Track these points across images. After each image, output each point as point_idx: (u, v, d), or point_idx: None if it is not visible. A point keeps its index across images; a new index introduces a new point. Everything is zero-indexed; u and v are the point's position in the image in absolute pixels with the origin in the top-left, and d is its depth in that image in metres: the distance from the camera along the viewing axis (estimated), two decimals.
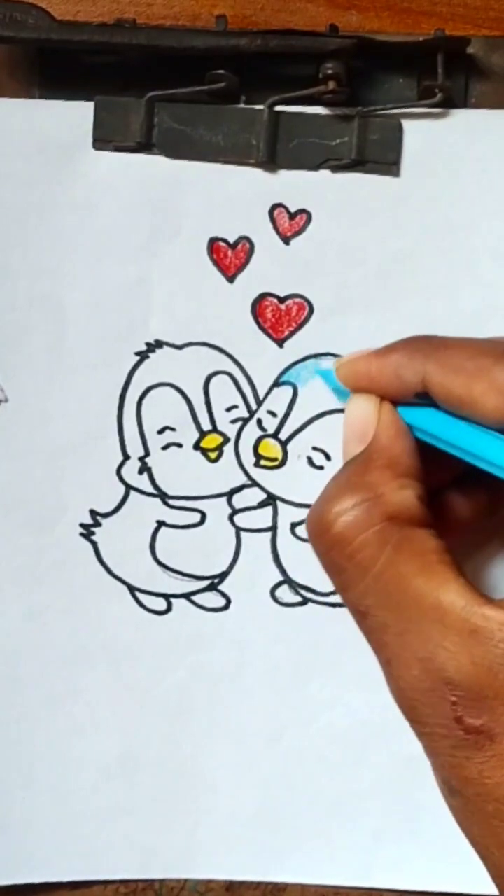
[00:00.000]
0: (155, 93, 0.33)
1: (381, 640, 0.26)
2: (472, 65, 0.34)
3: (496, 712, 0.23)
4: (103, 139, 0.34)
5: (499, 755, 0.23)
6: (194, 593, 0.36)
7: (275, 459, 0.35)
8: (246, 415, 0.35)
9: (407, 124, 0.33)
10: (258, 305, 0.35)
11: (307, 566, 0.35)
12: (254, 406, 0.35)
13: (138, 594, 0.36)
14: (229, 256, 0.34)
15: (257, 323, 0.35)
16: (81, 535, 0.36)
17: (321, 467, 0.35)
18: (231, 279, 0.35)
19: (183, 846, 0.37)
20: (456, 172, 0.34)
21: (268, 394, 0.35)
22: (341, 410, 0.34)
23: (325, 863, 0.36)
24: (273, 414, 0.35)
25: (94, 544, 0.36)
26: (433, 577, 0.25)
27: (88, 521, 0.35)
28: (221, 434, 0.35)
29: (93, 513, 0.35)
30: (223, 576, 0.36)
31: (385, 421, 0.29)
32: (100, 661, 0.36)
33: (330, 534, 0.27)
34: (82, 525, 0.35)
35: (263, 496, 0.35)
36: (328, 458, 0.35)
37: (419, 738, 0.26)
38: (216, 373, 0.35)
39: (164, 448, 0.35)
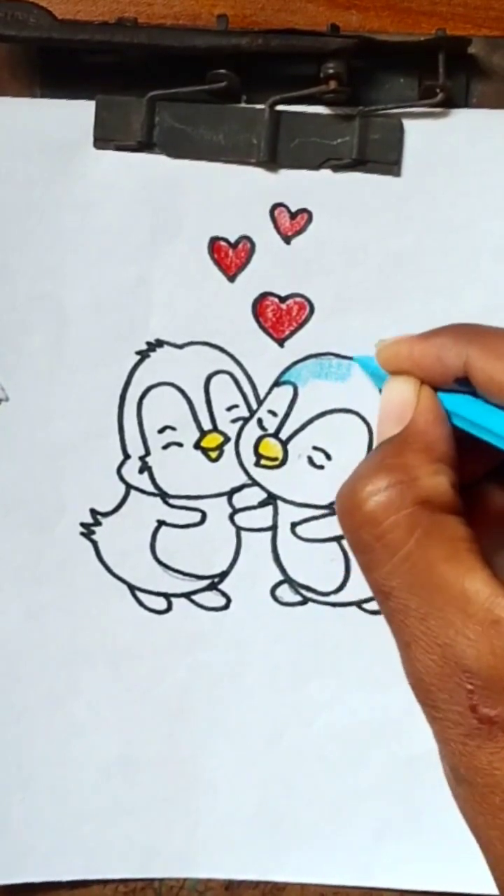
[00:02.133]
0: (156, 92, 0.33)
1: (402, 622, 0.26)
2: (472, 65, 0.34)
3: None
4: (104, 138, 0.34)
5: None
6: (194, 592, 0.36)
7: (275, 459, 0.35)
8: (246, 414, 0.35)
9: (408, 124, 0.33)
10: (259, 305, 0.35)
11: (307, 566, 0.35)
12: (254, 405, 0.35)
13: (138, 593, 0.36)
14: (230, 256, 0.34)
15: (258, 322, 0.35)
16: (82, 534, 0.35)
17: (321, 467, 0.35)
18: (232, 278, 0.34)
19: (182, 846, 0.37)
20: (457, 172, 0.34)
21: (268, 393, 0.35)
22: (342, 410, 0.34)
23: (324, 863, 0.36)
24: (273, 413, 0.35)
25: (95, 543, 0.36)
26: (460, 565, 0.25)
27: (89, 520, 0.35)
28: (222, 433, 0.35)
29: (93, 512, 0.35)
30: (223, 575, 0.36)
31: (424, 404, 0.29)
32: (100, 661, 0.36)
33: (360, 512, 0.27)
34: (83, 524, 0.35)
35: (264, 495, 0.35)
36: (328, 457, 0.35)
37: (431, 723, 0.26)
38: (217, 372, 0.35)
39: (165, 447, 0.35)
